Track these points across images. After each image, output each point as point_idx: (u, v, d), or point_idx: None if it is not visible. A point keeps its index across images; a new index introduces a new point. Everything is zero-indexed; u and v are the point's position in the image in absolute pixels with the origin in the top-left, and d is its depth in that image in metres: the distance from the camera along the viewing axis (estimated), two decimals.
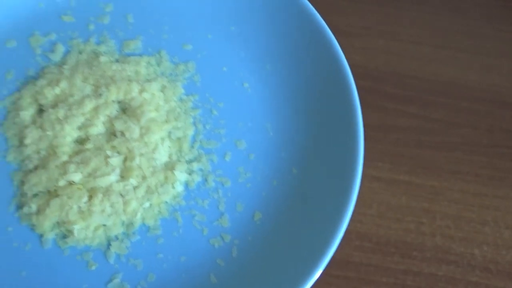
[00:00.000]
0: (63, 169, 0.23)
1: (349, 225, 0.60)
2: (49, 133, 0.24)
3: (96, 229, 0.24)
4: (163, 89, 0.26)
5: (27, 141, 0.24)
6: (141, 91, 0.25)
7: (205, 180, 0.26)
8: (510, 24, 0.79)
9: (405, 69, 0.73)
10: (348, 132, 0.26)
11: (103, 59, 0.25)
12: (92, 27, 0.26)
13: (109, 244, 0.24)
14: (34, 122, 0.24)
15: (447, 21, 0.80)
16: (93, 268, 0.23)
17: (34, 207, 0.24)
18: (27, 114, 0.25)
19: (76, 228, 0.23)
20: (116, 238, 0.24)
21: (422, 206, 0.61)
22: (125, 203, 0.23)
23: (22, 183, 0.24)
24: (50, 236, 0.24)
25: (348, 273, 0.56)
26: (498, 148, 0.66)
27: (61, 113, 0.24)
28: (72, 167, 0.23)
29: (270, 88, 0.27)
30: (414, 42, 0.76)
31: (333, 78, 0.27)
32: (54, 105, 0.24)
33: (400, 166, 0.64)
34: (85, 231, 0.23)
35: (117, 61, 0.26)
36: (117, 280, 0.23)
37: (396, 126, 0.67)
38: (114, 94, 0.25)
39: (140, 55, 0.27)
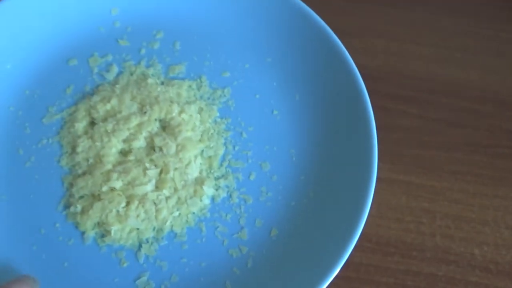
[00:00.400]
0: (107, 176, 0.27)
1: None
2: (98, 143, 0.27)
3: (130, 231, 0.27)
4: (200, 111, 0.29)
5: (79, 149, 0.28)
6: (181, 112, 0.28)
7: (229, 196, 0.29)
8: (510, 24, 0.79)
9: (405, 69, 0.73)
10: (363, 166, 0.29)
11: (150, 81, 0.29)
12: (143, 51, 0.30)
13: (140, 246, 0.27)
14: (86, 133, 0.28)
15: (447, 21, 0.80)
16: (125, 265, 0.27)
17: (79, 207, 0.27)
18: (80, 125, 0.28)
19: (113, 229, 0.27)
20: (147, 241, 0.27)
21: (422, 206, 0.61)
22: (157, 211, 0.27)
23: (71, 185, 0.28)
24: (90, 234, 0.27)
25: (348, 273, 0.56)
26: (498, 148, 0.66)
27: (109, 126, 0.28)
28: (114, 175, 0.26)
29: (297, 117, 0.30)
30: (414, 42, 0.76)
31: (354, 118, 0.31)
32: (104, 119, 0.28)
33: (400, 166, 0.64)
34: (120, 233, 0.27)
35: (162, 83, 0.29)
36: (144, 278, 0.26)
37: (396, 126, 0.67)
38: (156, 113, 0.28)
39: (183, 79, 0.30)
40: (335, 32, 0.76)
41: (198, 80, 0.31)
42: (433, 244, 0.58)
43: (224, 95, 0.31)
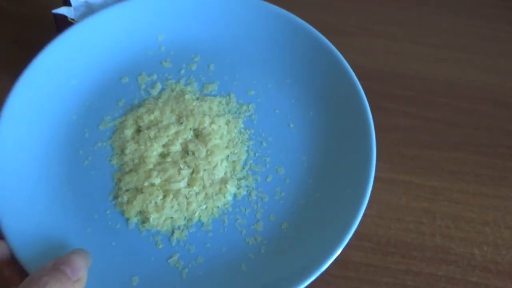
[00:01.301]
0: (148, 174, 0.33)
1: None
2: (142, 147, 0.34)
3: (165, 219, 0.33)
4: (227, 123, 0.35)
5: (127, 151, 0.34)
6: (211, 123, 0.34)
7: (249, 194, 0.34)
8: (510, 24, 0.79)
9: (405, 69, 0.73)
10: (362, 170, 0.35)
11: (187, 96, 0.36)
12: (183, 72, 0.37)
13: (173, 231, 0.33)
14: (133, 138, 0.34)
15: (447, 21, 0.80)
16: (160, 247, 0.32)
17: (125, 198, 0.33)
18: (129, 132, 0.35)
19: (152, 217, 0.33)
20: (179, 228, 0.33)
21: (422, 206, 0.61)
22: (188, 204, 0.33)
23: (119, 180, 0.34)
24: (133, 220, 0.33)
25: (348, 273, 0.56)
26: (498, 148, 0.66)
27: (152, 133, 0.34)
28: (154, 173, 0.33)
29: (310, 129, 0.36)
30: (414, 42, 0.76)
31: (357, 131, 0.36)
32: (148, 127, 0.34)
33: (400, 166, 0.64)
34: (157, 220, 0.33)
35: (197, 99, 0.36)
36: (175, 258, 0.32)
37: (396, 126, 0.67)
38: (191, 123, 0.35)
39: (215, 95, 0.37)
40: (335, 32, 0.76)
41: (227, 97, 0.37)
42: (433, 244, 0.58)
43: (249, 110, 0.37)
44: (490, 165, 0.64)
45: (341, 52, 0.77)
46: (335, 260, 0.57)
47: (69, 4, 0.55)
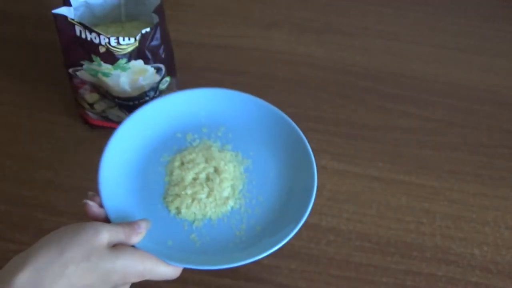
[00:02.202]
0: (184, 188, 0.51)
1: (349, 225, 0.61)
2: (183, 173, 0.52)
3: (190, 214, 0.51)
4: (234, 167, 0.53)
5: (174, 174, 0.52)
6: (224, 165, 0.53)
7: (240, 208, 0.52)
8: (510, 24, 0.80)
9: (405, 69, 0.73)
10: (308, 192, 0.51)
11: (213, 149, 0.54)
12: (213, 134, 0.55)
13: (194, 221, 0.51)
14: (178, 167, 0.52)
15: (447, 21, 0.80)
16: (185, 228, 0.50)
17: (170, 199, 0.51)
18: (176, 164, 0.53)
19: (183, 211, 0.50)
20: (197, 219, 0.51)
21: (422, 206, 0.61)
22: (205, 207, 0.51)
23: (167, 189, 0.52)
24: (172, 212, 0.51)
25: (348, 273, 0.56)
26: (498, 148, 0.66)
27: (189, 166, 0.52)
28: (188, 188, 0.51)
29: (279, 176, 0.54)
30: (414, 42, 0.76)
31: (305, 175, 0.52)
32: (188, 162, 0.53)
33: (400, 166, 0.64)
34: (186, 213, 0.50)
35: (219, 151, 0.54)
36: (193, 235, 0.49)
37: (396, 126, 0.67)
38: (213, 163, 0.53)
39: (229, 150, 0.55)
40: (335, 32, 0.76)
41: (237, 153, 0.55)
42: (433, 244, 0.58)
43: (247, 162, 0.55)
44: (490, 165, 0.64)
45: (341, 52, 0.77)
46: (335, 260, 0.58)
47: (69, 4, 0.55)
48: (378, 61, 0.74)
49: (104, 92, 0.58)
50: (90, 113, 0.61)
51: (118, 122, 0.61)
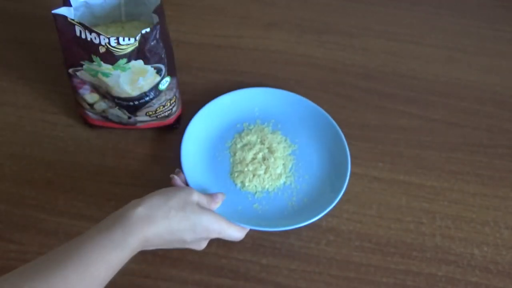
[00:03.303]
0: (246, 166, 0.62)
1: (349, 225, 0.61)
2: (244, 153, 0.63)
3: (252, 186, 0.61)
4: (283, 148, 0.64)
5: (237, 155, 0.63)
6: (276, 145, 0.64)
7: (290, 183, 0.61)
8: (510, 24, 0.80)
9: (405, 69, 0.73)
10: (342, 175, 0.61)
11: (266, 130, 0.66)
12: (265, 124, 0.67)
13: (255, 192, 0.60)
14: (240, 149, 0.64)
15: (447, 21, 0.80)
16: (249, 199, 0.60)
17: (235, 175, 0.61)
18: (238, 146, 0.64)
19: (246, 184, 0.60)
20: (258, 191, 0.61)
21: (422, 206, 0.61)
22: (263, 181, 0.61)
23: (232, 167, 0.62)
24: (238, 185, 0.61)
25: (348, 273, 0.56)
26: (498, 148, 0.66)
27: (247, 147, 0.64)
28: (249, 165, 0.62)
29: (320, 159, 0.64)
30: (414, 42, 0.76)
31: (339, 159, 0.63)
32: (246, 145, 0.64)
33: (400, 166, 0.64)
34: (249, 186, 0.60)
35: (271, 133, 0.66)
36: (256, 204, 0.59)
37: (396, 126, 0.67)
38: (267, 144, 0.64)
39: (281, 134, 0.65)
40: (335, 32, 0.76)
41: (286, 138, 0.66)
42: (433, 244, 0.58)
43: (294, 146, 0.65)
44: (490, 165, 0.64)
45: (341, 52, 0.77)
46: (335, 260, 0.58)
47: (69, 4, 0.55)
48: (378, 61, 0.74)
49: (104, 92, 0.58)
50: (90, 113, 0.61)
51: (118, 122, 0.61)
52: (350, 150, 0.62)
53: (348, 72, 0.72)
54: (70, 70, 0.56)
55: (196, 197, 0.51)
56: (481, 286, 0.55)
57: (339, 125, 0.64)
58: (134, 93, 0.57)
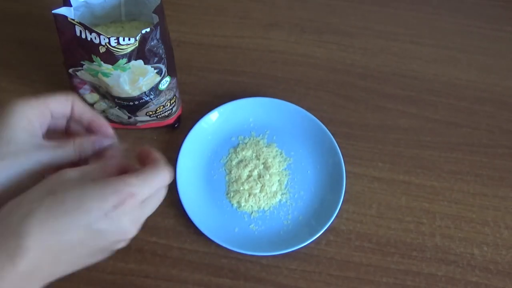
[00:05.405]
0: (242, 184, 0.62)
1: (349, 225, 0.61)
2: (239, 171, 0.63)
3: (248, 206, 0.61)
4: (279, 163, 0.64)
5: (232, 173, 0.63)
6: (271, 160, 0.63)
7: (286, 201, 0.61)
8: (510, 24, 0.80)
9: (405, 69, 0.73)
10: (338, 191, 0.61)
11: (261, 143, 0.65)
12: (260, 135, 0.66)
13: (251, 212, 0.60)
14: (236, 166, 0.63)
15: (447, 21, 0.80)
16: (246, 219, 0.60)
17: (231, 195, 0.61)
18: (233, 162, 0.64)
19: (242, 204, 0.61)
20: (254, 211, 0.60)
21: (422, 206, 0.61)
22: (259, 201, 0.61)
23: (228, 187, 0.62)
24: (234, 205, 0.61)
25: (348, 273, 0.56)
26: (498, 148, 0.66)
27: (243, 164, 0.63)
28: (245, 184, 0.62)
29: (315, 174, 0.63)
30: (414, 42, 0.76)
31: (336, 171, 0.63)
32: (241, 161, 0.64)
33: (400, 166, 0.64)
34: (244, 205, 0.61)
35: (266, 146, 0.65)
36: (252, 225, 0.59)
37: (396, 126, 0.67)
38: (261, 160, 0.64)
39: (276, 148, 0.65)
40: (335, 33, 0.76)
41: (281, 151, 0.64)
42: (433, 244, 0.58)
43: (290, 160, 0.64)
44: (490, 165, 0.64)
45: (341, 52, 0.77)
46: (335, 260, 0.58)
47: (69, 4, 0.55)
48: (378, 61, 0.74)
49: (104, 92, 0.58)
50: None
51: (118, 122, 0.61)
52: (349, 150, 0.62)
53: (348, 72, 0.72)
54: (70, 70, 0.56)
55: (73, 174, 0.36)
56: (481, 286, 0.56)
57: (339, 125, 0.64)
58: (134, 93, 0.57)
